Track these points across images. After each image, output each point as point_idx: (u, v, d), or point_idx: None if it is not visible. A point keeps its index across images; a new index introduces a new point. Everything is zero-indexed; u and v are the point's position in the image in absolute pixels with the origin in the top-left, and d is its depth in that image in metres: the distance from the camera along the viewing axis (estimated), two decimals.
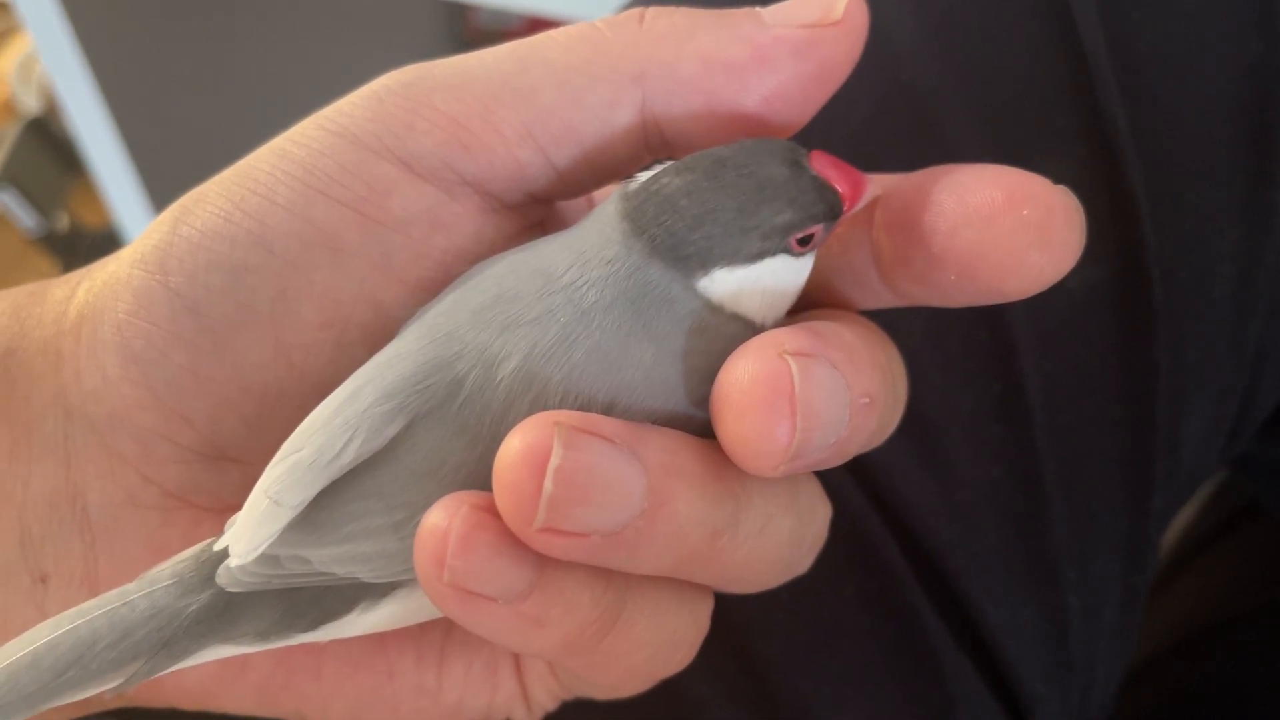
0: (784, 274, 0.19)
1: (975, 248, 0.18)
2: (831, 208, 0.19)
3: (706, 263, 0.18)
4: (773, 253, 0.18)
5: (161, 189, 0.80)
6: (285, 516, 0.17)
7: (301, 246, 0.19)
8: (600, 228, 0.19)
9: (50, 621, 0.18)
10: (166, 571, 0.18)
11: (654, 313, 0.18)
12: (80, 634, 0.18)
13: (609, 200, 0.19)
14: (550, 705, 0.22)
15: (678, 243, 0.18)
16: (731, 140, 0.19)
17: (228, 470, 0.20)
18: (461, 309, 0.18)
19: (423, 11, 0.93)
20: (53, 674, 0.17)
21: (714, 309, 0.18)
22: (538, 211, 0.21)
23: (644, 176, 0.19)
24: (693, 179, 0.18)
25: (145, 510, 0.20)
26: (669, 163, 0.19)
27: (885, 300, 0.21)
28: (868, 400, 0.17)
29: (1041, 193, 0.18)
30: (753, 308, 0.19)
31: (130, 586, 0.18)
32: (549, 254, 0.19)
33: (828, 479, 0.21)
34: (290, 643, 0.19)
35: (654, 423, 0.18)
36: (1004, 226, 0.18)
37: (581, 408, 0.17)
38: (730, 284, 0.18)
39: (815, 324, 0.18)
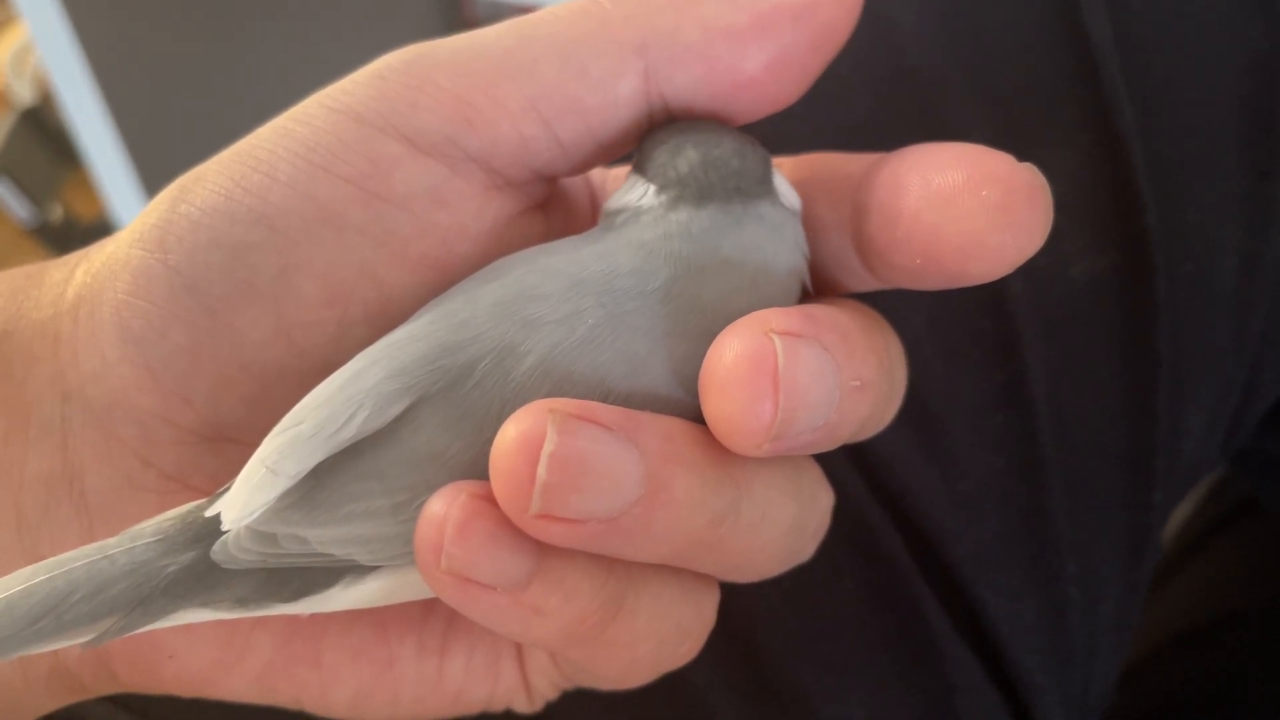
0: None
1: (936, 230, 0.17)
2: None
3: (770, 172, 0.20)
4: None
5: (157, 180, 0.80)
6: (281, 485, 0.17)
7: (303, 223, 0.19)
8: (655, 223, 0.19)
9: (28, 569, 0.17)
10: (150, 529, 0.18)
11: (758, 231, 0.19)
12: (56, 584, 0.17)
13: (627, 218, 0.19)
14: (552, 695, 0.22)
15: (748, 174, 0.19)
16: (735, 107, 0.20)
17: (227, 452, 0.20)
18: (481, 301, 0.18)
19: (419, 1, 0.92)
20: (26, 621, 0.17)
21: (791, 212, 0.20)
22: (542, 189, 0.21)
23: (620, 197, 0.20)
24: (697, 141, 0.19)
25: (144, 493, 0.20)
26: (636, 173, 0.20)
27: (869, 283, 0.21)
28: (859, 383, 0.17)
29: (1003, 172, 0.17)
30: (793, 196, 0.20)
31: (111, 541, 0.18)
32: (583, 255, 0.19)
33: (829, 468, 0.21)
34: (269, 613, 0.18)
35: (684, 411, 0.18)
36: (963, 208, 0.17)
37: (601, 398, 0.17)
38: (782, 182, 0.20)
39: (809, 307, 0.18)
